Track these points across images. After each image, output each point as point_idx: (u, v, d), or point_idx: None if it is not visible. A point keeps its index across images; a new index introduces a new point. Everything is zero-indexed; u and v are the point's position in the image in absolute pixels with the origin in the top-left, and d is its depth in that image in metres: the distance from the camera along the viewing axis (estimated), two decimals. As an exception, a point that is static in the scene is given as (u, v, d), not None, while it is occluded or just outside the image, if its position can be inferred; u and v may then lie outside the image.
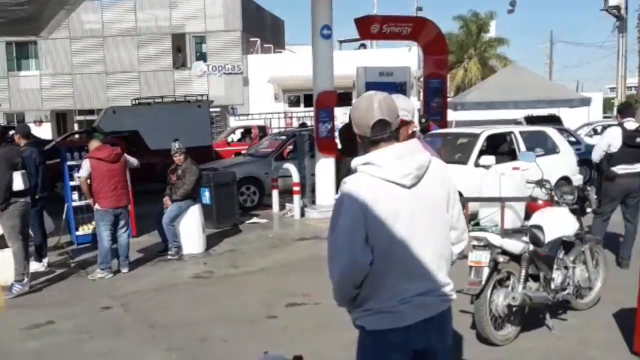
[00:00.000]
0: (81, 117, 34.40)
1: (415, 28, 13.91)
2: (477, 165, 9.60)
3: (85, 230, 9.54)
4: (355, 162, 2.50)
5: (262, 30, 36.98)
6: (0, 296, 6.98)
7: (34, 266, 7.94)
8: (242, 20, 32.96)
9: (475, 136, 10.34)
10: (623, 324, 5.23)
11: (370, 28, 13.34)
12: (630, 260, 7.04)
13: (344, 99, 20.09)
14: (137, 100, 18.78)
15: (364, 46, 35.27)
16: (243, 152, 16.75)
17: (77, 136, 19.21)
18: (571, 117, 20.95)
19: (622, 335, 5.08)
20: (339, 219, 2.40)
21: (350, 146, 12.47)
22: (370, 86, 12.17)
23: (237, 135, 23.57)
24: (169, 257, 8.64)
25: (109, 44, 33.44)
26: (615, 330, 5.23)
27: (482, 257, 4.88)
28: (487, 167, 9.29)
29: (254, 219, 11.55)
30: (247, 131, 22.98)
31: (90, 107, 33.42)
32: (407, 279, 2.44)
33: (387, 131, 2.47)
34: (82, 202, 9.23)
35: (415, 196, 2.45)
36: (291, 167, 11.74)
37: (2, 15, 12.67)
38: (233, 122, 28.31)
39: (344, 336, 5.03)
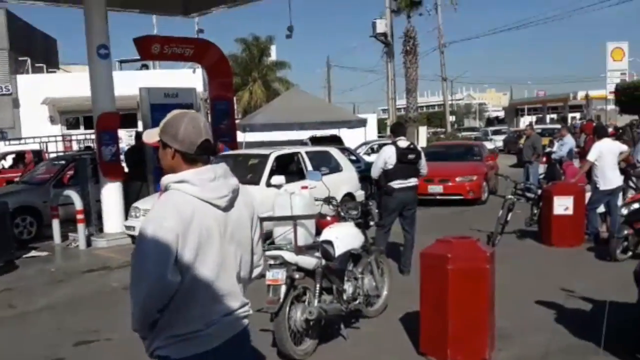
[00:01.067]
0: None
1: (197, 50, 13.92)
2: (268, 185, 9.82)
3: None
4: (168, 179, 2.39)
5: (32, 49, 34.16)
6: None
7: None
8: (8, 39, 30.16)
9: (265, 157, 10.60)
10: (409, 327, 5.67)
11: (151, 48, 13.05)
12: (410, 267, 7.66)
13: (128, 120, 19.31)
14: None
15: (146, 67, 34.30)
16: (16, 179, 15.21)
17: None
18: (350, 137, 22.46)
19: (409, 337, 5.51)
20: (149, 238, 2.25)
21: (139, 169, 12.11)
22: (155, 108, 11.87)
23: (8, 161, 21.34)
24: None
25: None
26: (403, 334, 5.66)
27: (279, 275, 4.97)
28: (278, 186, 9.54)
29: (33, 253, 10.53)
30: (19, 156, 20.90)
31: None
32: (214, 301, 2.39)
33: (209, 151, 2.45)
34: None
35: (227, 219, 2.43)
36: (73, 194, 10.92)
37: None
38: (3, 147, 25.60)
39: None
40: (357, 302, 5.79)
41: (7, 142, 25.83)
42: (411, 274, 7.42)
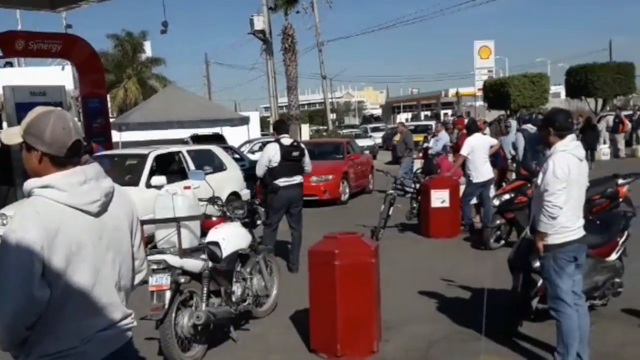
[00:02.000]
0: None
1: (65, 45, 13.25)
2: (148, 186, 9.45)
3: None
4: (31, 184, 2.16)
5: None
6: None
7: None
8: None
9: (144, 157, 10.18)
10: (300, 324, 5.67)
11: (15, 44, 12.24)
12: (299, 264, 7.67)
13: (-9, 121, 17.88)
14: None
15: (10, 64, 31.98)
16: None
17: None
18: (233, 135, 22.23)
19: (299, 335, 5.50)
20: (10, 251, 2.03)
21: (5, 172, 11.21)
22: (21, 107, 11.08)
23: None
24: None
25: None
26: (294, 332, 5.64)
27: (163, 280, 4.78)
28: (159, 187, 9.21)
29: None
30: None
31: None
32: (89, 314, 2.19)
33: (80, 153, 2.24)
34: None
35: (100, 225, 2.23)
36: None
37: None
38: None
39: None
40: (247, 303, 5.70)
41: None
42: (300, 271, 7.42)
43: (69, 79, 25.54)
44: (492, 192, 9.86)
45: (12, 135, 2.24)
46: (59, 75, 26.55)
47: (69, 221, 2.14)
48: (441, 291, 6.70)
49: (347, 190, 14.65)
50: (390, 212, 9.95)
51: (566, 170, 4.29)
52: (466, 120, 12.09)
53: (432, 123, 23.15)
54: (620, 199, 8.40)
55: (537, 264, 4.67)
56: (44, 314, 2.09)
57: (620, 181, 8.34)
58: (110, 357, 2.25)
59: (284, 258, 8.03)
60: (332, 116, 45.36)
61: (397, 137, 17.20)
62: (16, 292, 2.03)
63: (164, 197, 5.71)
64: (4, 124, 18.32)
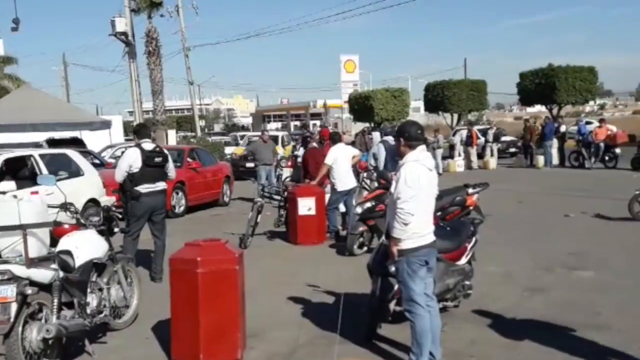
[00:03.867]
0: None
1: None
2: (-5, 192, 8.72)
3: None
4: None
5: None
6: None
7: None
8: None
9: (-8, 160, 9.40)
10: (161, 336, 5.48)
11: None
12: (162, 273, 7.43)
13: None
14: None
15: None
16: None
17: None
18: (94, 140, 21.15)
19: (161, 347, 5.32)
20: None
21: None
22: None
23: None
24: None
25: None
26: (155, 343, 5.44)
27: (8, 292, 4.43)
28: (6, 193, 8.55)
29: None
30: None
31: None
32: None
33: None
34: None
35: None
36: None
37: None
38: None
39: None
40: (103, 314, 5.42)
41: None
42: (164, 281, 7.19)
43: None
44: (355, 200, 10.17)
45: None
46: None
47: None
48: (307, 296, 6.79)
49: (183, 202, 13.63)
50: (259, 220, 9.96)
51: (416, 179, 4.52)
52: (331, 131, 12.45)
53: (300, 132, 23.27)
54: (471, 207, 9.02)
55: (393, 268, 4.86)
56: None
57: (470, 190, 8.96)
58: None
59: (147, 267, 7.75)
60: (200, 123, 44.60)
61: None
62: None
63: (7, 202, 5.31)
64: None
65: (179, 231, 9.87)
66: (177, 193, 13.45)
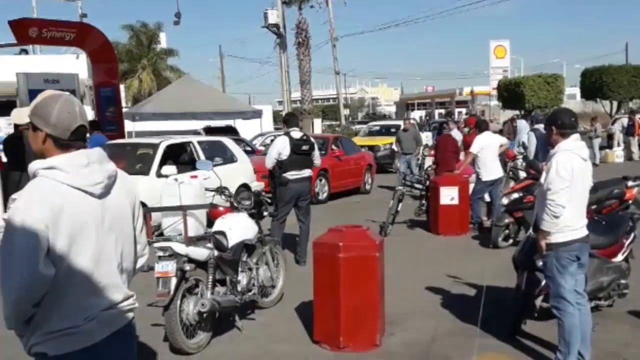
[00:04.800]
0: None
1: (79, 34, 13.31)
2: (159, 175, 9.53)
3: None
4: (36, 165, 2.22)
5: None
6: None
7: None
8: None
9: (155, 146, 10.26)
10: (304, 316, 5.71)
11: (29, 32, 12.30)
12: (306, 257, 7.67)
13: (6, 107, 18.02)
14: None
15: (25, 51, 32.23)
16: None
17: None
18: (246, 128, 22.27)
19: (304, 326, 5.54)
20: (16, 229, 2.09)
21: (18, 158, 11.33)
22: (34, 93, 11.13)
23: None
24: None
25: None
26: (298, 323, 5.69)
27: (169, 267, 4.83)
28: (169, 176, 9.30)
29: None
30: None
31: None
32: (92, 294, 2.26)
33: (85, 137, 2.31)
34: None
35: (103, 207, 2.29)
36: (-58, 186, 10.05)
37: None
38: None
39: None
40: (252, 293, 5.75)
41: None
42: (307, 264, 7.45)
43: (84, 67, 25.71)
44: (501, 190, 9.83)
45: (21, 115, 2.31)
46: (73, 63, 26.67)
47: (73, 202, 2.19)
48: (447, 287, 6.72)
49: (326, 189, 13.96)
50: (399, 208, 9.97)
51: (569, 170, 4.28)
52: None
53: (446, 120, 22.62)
54: (630, 201, 8.36)
55: (541, 262, 4.67)
56: (48, 293, 2.14)
57: (630, 183, 8.29)
58: (112, 336, 2.31)
59: (292, 251, 8.07)
60: (345, 112, 45.29)
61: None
62: (21, 268, 2.08)
63: (170, 185, 5.76)
64: (16, 108, 18.49)
65: (322, 217, 10.15)
66: (321, 180, 13.77)
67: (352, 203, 14.02)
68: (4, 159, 11.18)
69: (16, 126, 12.63)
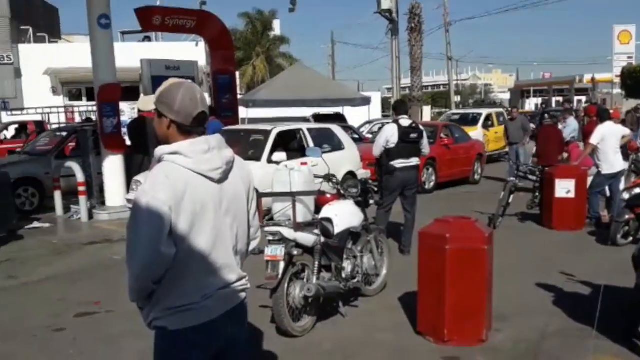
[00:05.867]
0: None
1: (199, 22, 13.82)
2: (270, 161, 9.81)
3: None
4: (161, 150, 2.38)
5: (33, 17, 33.90)
6: None
7: None
8: (9, 6, 29.91)
9: (267, 133, 10.56)
10: (407, 306, 5.70)
11: (152, 19, 12.95)
12: (410, 247, 7.64)
13: (130, 93, 19.18)
14: None
15: (148, 39, 34.09)
16: (18, 150, 15.21)
17: None
18: (354, 115, 22.35)
19: (407, 317, 5.54)
20: (142, 209, 2.25)
21: (141, 142, 12.07)
22: (156, 80, 11.82)
23: (10, 131, 21.36)
24: None
25: None
26: (401, 313, 5.69)
27: (278, 251, 4.98)
28: (279, 163, 9.55)
29: (35, 224, 10.56)
30: (22, 127, 20.90)
31: None
32: (209, 273, 2.40)
33: (205, 122, 2.45)
34: None
35: (221, 191, 2.42)
36: (74, 166, 10.91)
37: None
38: (5, 117, 25.56)
39: (138, 345, 4.83)
40: (356, 280, 5.81)
41: (9, 113, 25.83)
42: (411, 254, 7.41)
43: (202, 55, 26.81)
44: (623, 185, 9.26)
45: (147, 103, 2.51)
46: (192, 50, 27.90)
47: (194, 185, 2.33)
48: (559, 285, 6.45)
49: (433, 179, 13.74)
50: (510, 200, 9.65)
51: None
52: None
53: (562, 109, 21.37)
54: None
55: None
56: (169, 271, 2.30)
57: None
58: (226, 314, 2.45)
59: (396, 240, 8.06)
60: (456, 99, 44.27)
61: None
62: (145, 246, 2.24)
63: (281, 171, 5.91)
64: (141, 95, 19.68)
65: (428, 207, 10.03)
66: (428, 169, 13.56)
67: (460, 193, 13.74)
68: (128, 143, 11.93)
69: (139, 111, 13.45)
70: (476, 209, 10.29)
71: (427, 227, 5.21)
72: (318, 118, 19.65)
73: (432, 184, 13.75)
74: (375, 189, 6.79)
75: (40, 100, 26.30)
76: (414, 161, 7.86)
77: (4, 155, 15.58)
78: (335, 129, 12.28)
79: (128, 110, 18.80)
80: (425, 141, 7.96)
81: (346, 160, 11.40)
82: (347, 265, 5.69)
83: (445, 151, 14.27)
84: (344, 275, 5.60)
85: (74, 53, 26.44)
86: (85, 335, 5.45)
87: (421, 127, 8.08)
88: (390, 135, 7.74)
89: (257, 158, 9.88)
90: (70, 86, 30.35)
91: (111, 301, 6.19)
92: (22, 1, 32.00)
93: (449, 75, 38.03)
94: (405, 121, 7.87)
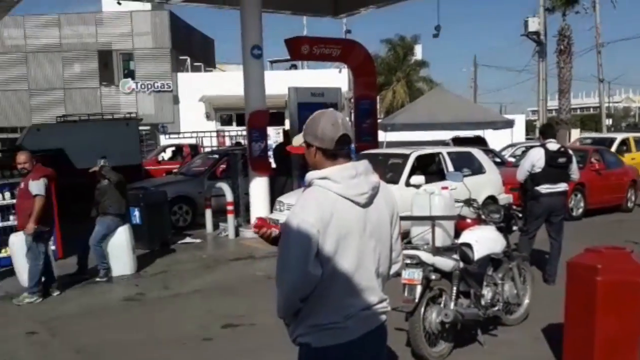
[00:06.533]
0: (3, 135, 32.84)
1: (344, 50, 14.19)
2: (407, 184, 9.82)
3: (3, 253, 8.99)
4: (312, 175, 2.52)
5: (191, 48, 36.70)
6: None
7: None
8: (171, 39, 32.65)
9: (406, 156, 10.58)
10: (551, 338, 5.43)
11: (301, 49, 13.50)
12: (556, 276, 7.30)
13: (276, 118, 20.08)
14: (62, 118, 18.13)
15: (295, 67, 35.56)
16: (174, 170, 16.47)
17: (-2, 154, 18.28)
18: (496, 139, 21.71)
19: (550, 349, 5.28)
20: (293, 231, 2.39)
21: (285, 165, 12.62)
22: (302, 107, 12.30)
23: (168, 153, 23.15)
24: (97, 279, 8.36)
25: (32, 60, 32.34)
26: (544, 345, 5.43)
27: (415, 275, 4.98)
28: (417, 186, 9.52)
29: (187, 239, 11.34)
30: (178, 149, 22.61)
31: (12, 124, 32.04)
32: (352, 294, 2.47)
33: (348, 146, 2.55)
34: (5, 223, 8.87)
35: (366, 215, 2.50)
36: (224, 186, 11.61)
37: None
38: (164, 140, 27.79)
39: (281, 358, 5.02)
40: (496, 308, 5.63)
41: (167, 136, 28.03)
42: (556, 283, 7.07)
43: (344, 81, 27.48)
44: None
45: (298, 139, 2.65)
46: (335, 77, 28.71)
47: (341, 209, 2.44)
48: None
49: (582, 205, 12.94)
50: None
51: None
52: None
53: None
54: None
55: None
56: (314, 291, 2.41)
57: None
58: (367, 335, 2.51)
59: (540, 268, 7.70)
60: (607, 122, 41.48)
61: None
62: (295, 266, 2.38)
63: (421, 195, 5.92)
64: (286, 121, 20.50)
65: (576, 235, 9.46)
66: (576, 195, 12.83)
67: (611, 222, 12.81)
68: (273, 165, 12.49)
69: (284, 135, 14.09)
70: (629, 238, 9.54)
71: (577, 256, 4.94)
72: (458, 141, 19.31)
73: (580, 210, 12.97)
74: (520, 215, 6.57)
75: (195, 124, 28.34)
76: (562, 186, 7.51)
77: (162, 175, 16.91)
78: (476, 152, 12.02)
79: (273, 135, 19.68)
80: (574, 166, 7.59)
81: (487, 184, 11.10)
82: (487, 292, 5.54)
83: (596, 177, 13.40)
84: (483, 303, 5.45)
85: (226, 81, 28.20)
86: (229, 346, 5.77)
87: (570, 152, 7.72)
88: (536, 159, 7.48)
89: (395, 181, 9.92)
90: (222, 112, 32.41)
91: (253, 315, 6.49)
92: (182, 33, 34.78)
93: (600, 98, 35.82)
94: (553, 145, 7.56)
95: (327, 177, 2.47)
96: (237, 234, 11.48)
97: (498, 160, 16.15)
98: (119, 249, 8.57)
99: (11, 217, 8.93)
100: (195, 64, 36.67)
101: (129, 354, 5.63)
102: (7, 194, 9.04)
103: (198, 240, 11.34)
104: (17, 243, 7.65)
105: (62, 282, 8.09)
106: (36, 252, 7.38)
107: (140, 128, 19.01)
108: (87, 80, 32.56)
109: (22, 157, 7.60)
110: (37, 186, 7.39)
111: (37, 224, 7.30)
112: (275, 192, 11.71)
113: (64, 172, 10.50)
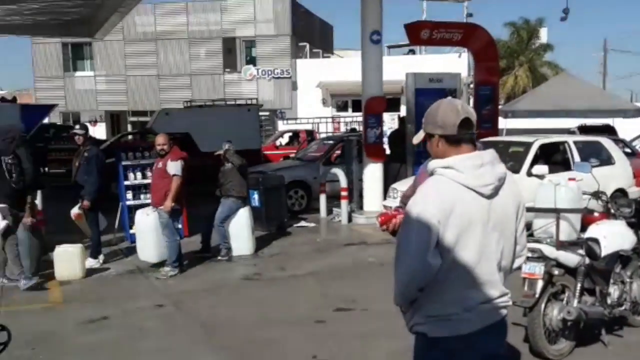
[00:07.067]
0: (134, 119, 35.21)
1: (465, 34, 13.82)
2: (529, 174, 9.46)
3: (134, 229, 9.60)
4: (435, 164, 2.48)
5: (311, 35, 37.21)
6: (57, 290, 7.22)
7: (90, 263, 8.20)
8: (291, 25, 33.27)
9: (528, 145, 10.17)
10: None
11: (421, 34, 13.31)
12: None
13: (392, 104, 19.93)
14: (188, 103, 19.13)
15: (412, 52, 35.09)
16: (291, 155, 16.88)
17: (130, 137, 19.63)
18: (625, 128, 20.32)
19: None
20: (413, 220, 2.38)
21: (399, 152, 12.56)
22: (419, 92, 12.16)
23: (285, 139, 23.76)
24: (219, 258, 8.78)
25: (160, 47, 34.24)
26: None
27: (537, 270, 4.79)
28: (540, 176, 9.14)
29: (302, 223, 11.61)
30: (295, 135, 23.16)
31: (143, 108, 34.20)
32: (472, 286, 2.43)
33: (472, 130, 2.49)
34: (136, 202, 9.54)
35: (490, 207, 2.44)
36: (339, 172, 11.74)
37: (57, 16, 13.11)
38: (281, 126, 28.55)
39: (389, 345, 5.05)
40: (623, 308, 5.30)
41: (285, 122, 28.77)
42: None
43: (464, 66, 26.78)
44: None
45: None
46: (455, 62, 28.05)
47: (464, 200, 2.39)
48: None
49: None
50: None
51: None
52: None
53: None
54: None
55: None
56: (433, 281, 2.38)
57: None
58: (486, 329, 2.46)
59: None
60: None
61: None
62: (414, 256, 2.36)
63: (546, 187, 5.66)
64: (402, 107, 20.31)
65: None
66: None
67: None
68: (388, 151, 12.46)
69: (400, 122, 14.02)
70: None
71: None
72: (584, 130, 18.27)
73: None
74: None
75: (311, 110, 28.84)
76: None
77: (279, 160, 17.39)
78: (605, 141, 11.32)
79: (388, 121, 19.61)
80: None
81: (616, 176, 10.43)
82: (614, 291, 5.23)
83: None
84: (609, 301, 5.15)
85: (343, 67, 28.42)
86: (342, 329, 5.87)
87: None
88: (672, 151, 6.93)
89: (516, 171, 9.55)
90: (338, 98, 32.72)
91: (366, 300, 6.55)
92: (302, 20, 35.37)
93: None
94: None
95: (451, 166, 2.42)
96: (350, 219, 11.59)
97: (628, 150, 15.09)
98: (240, 230, 8.94)
99: (142, 197, 9.59)
100: (314, 50, 37.17)
101: (245, 331, 5.89)
102: (139, 175, 9.72)
103: (312, 225, 11.57)
104: (145, 220, 8.19)
105: (188, 258, 8.58)
106: (172, 229, 7.90)
107: (260, 114, 19.62)
108: (211, 67, 34.01)
109: (160, 139, 8.11)
110: (175, 167, 7.88)
111: (174, 202, 7.77)
112: (389, 179, 11.69)
113: (189, 155, 11.07)
